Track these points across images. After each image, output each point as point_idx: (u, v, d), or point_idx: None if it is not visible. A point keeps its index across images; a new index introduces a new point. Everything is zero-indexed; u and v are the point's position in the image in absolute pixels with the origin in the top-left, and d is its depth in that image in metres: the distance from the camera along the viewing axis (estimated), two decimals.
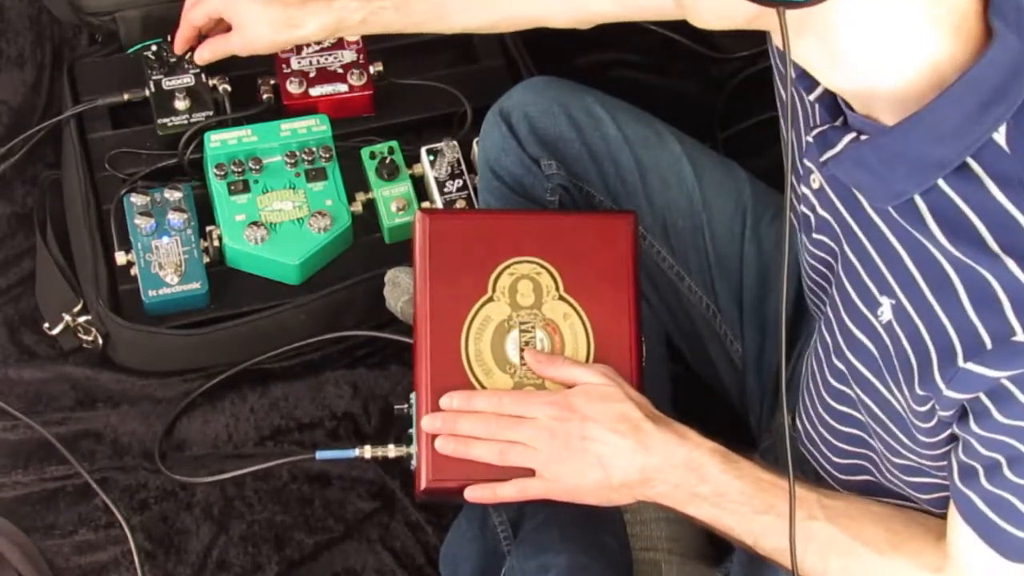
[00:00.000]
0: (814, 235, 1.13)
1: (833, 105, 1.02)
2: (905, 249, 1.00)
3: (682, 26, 1.89)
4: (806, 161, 1.11)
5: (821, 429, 1.22)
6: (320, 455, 1.39)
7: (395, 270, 1.57)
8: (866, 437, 1.16)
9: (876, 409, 1.10)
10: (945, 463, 1.07)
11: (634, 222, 1.32)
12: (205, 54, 1.61)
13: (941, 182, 0.95)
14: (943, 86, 0.92)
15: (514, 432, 1.22)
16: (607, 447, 1.19)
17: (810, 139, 1.05)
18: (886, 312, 1.04)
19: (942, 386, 0.98)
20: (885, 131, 0.96)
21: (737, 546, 1.22)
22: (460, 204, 1.66)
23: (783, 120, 1.19)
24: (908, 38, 0.91)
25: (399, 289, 1.55)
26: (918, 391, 1.01)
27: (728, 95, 1.93)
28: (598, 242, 1.30)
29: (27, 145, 1.78)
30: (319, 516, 1.57)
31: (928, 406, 1.02)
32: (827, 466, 1.25)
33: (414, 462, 1.26)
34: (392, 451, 1.34)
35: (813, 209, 1.12)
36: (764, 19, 0.94)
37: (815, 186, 1.10)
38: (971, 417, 0.99)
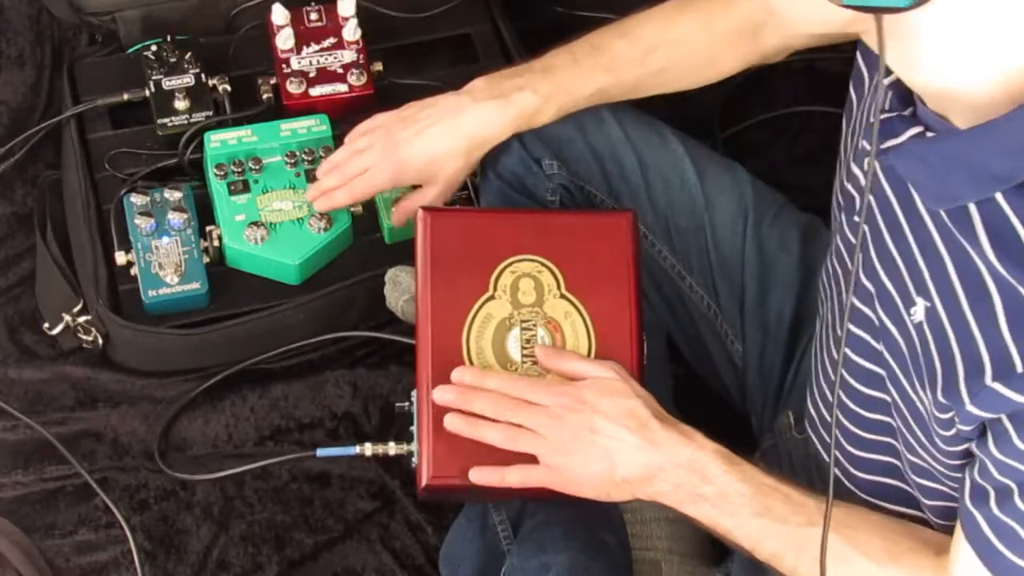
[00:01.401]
0: (856, 218, 1.13)
1: (906, 93, 1.00)
2: (949, 254, 0.99)
3: None
4: (864, 143, 1.10)
5: (844, 420, 1.22)
6: (321, 452, 1.40)
7: (396, 269, 1.57)
8: (892, 424, 1.15)
9: (900, 403, 1.10)
10: (958, 475, 1.06)
11: (634, 220, 1.32)
12: (399, 218, 1.57)
13: (999, 196, 0.93)
14: (1020, 100, 0.90)
15: (524, 417, 1.21)
16: (614, 441, 1.19)
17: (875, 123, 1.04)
18: (919, 313, 1.03)
19: (966, 399, 0.97)
20: (954, 133, 0.94)
21: (737, 549, 1.23)
22: (460, 204, 1.66)
23: (850, 111, 1.18)
24: (992, 49, 0.90)
25: (400, 288, 1.55)
26: (940, 399, 1.00)
27: (728, 95, 1.93)
28: (599, 240, 1.30)
29: (27, 145, 1.78)
30: (319, 516, 1.56)
31: (949, 415, 1.01)
32: (844, 461, 1.25)
33: (415, 460, 1.26)
34: (392, 449, 1.34)
35: (861, 191, 1.11)
36: (858, 24, 0.92)
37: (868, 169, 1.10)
38: (990, 438, 0.98)
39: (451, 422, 1.23)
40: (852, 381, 1.19)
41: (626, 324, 1.28)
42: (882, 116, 1.01)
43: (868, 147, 1.07)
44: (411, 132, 1.42)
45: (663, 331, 1.51)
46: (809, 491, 1.17)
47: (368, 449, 1.35)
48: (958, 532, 1.06)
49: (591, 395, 1.21)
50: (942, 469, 1.08)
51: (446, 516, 1.55)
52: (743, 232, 1.42)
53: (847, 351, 1.17)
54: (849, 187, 1.14)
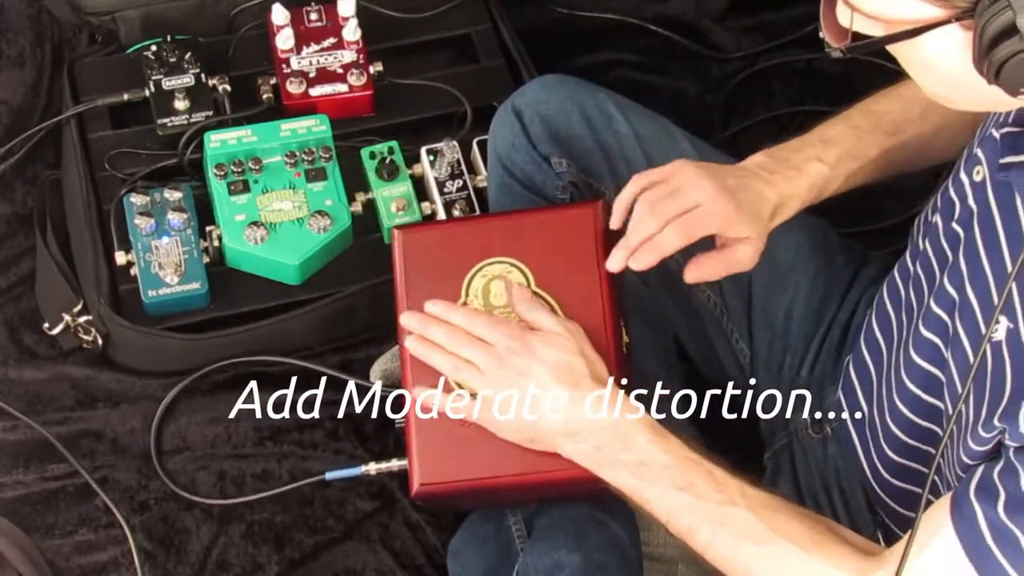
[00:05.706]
0: (953, 225, 1.12)
1: None
2: None
3: (682, 26, 1.91)
4: (977, 151, 1.09)
5: (892, 425, 1.21)
6: (330, 476, 1.45)
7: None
8: (939, 434, 1.15)
9: (951, 411, 1.09)
10: (963, 474, 1.05)
11: (600, 209, 1.33)
12: (691, 276, 1.30)
13: None
14: None
15: (470, 351, 1.26)
16: (542, 390, 1.21)
17: (996, 133, 1.03)
18: (1000, 332, 1.02)
19: (1023, 426, 0.97)
20: None
21: (653, 522, 1.22)
22: (460, 204, 1.66)
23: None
24: None
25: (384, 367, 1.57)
26: (995, 422, 1.00)
27: (728, 95, 1.93)
28: (565, 234, 1.32)
29: (27, 145, 1.78)
30: (319, 516, 1.56)
31: (994, 433, 1.00)
32: (880, 467, 1.23)
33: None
34: (396, 465, 1.37)
35: (964, 199, 1.11)
36: None
37: (977, 178, 1.09)
38: None
39: (411, 344, 1.28)
40: (910, 384, 1.18)
41: (599, 313, 1.29)
42: (1004, 130, 1.01)
43: (981, 156, 1.07)
44: (734, 182, 1.27)
45: (671, 330, 1.51)
46: (733, 472, 1.18)
47: (373, 468, 1.40)
48: (934, 525, 1.04)
49: (537, 343, 1.24)
50: (957, 472, 1.07)
51: (446, 516, 1.55)
52: None
53: (912, 353, 1.17)
54: (952, 192, 1.14)
